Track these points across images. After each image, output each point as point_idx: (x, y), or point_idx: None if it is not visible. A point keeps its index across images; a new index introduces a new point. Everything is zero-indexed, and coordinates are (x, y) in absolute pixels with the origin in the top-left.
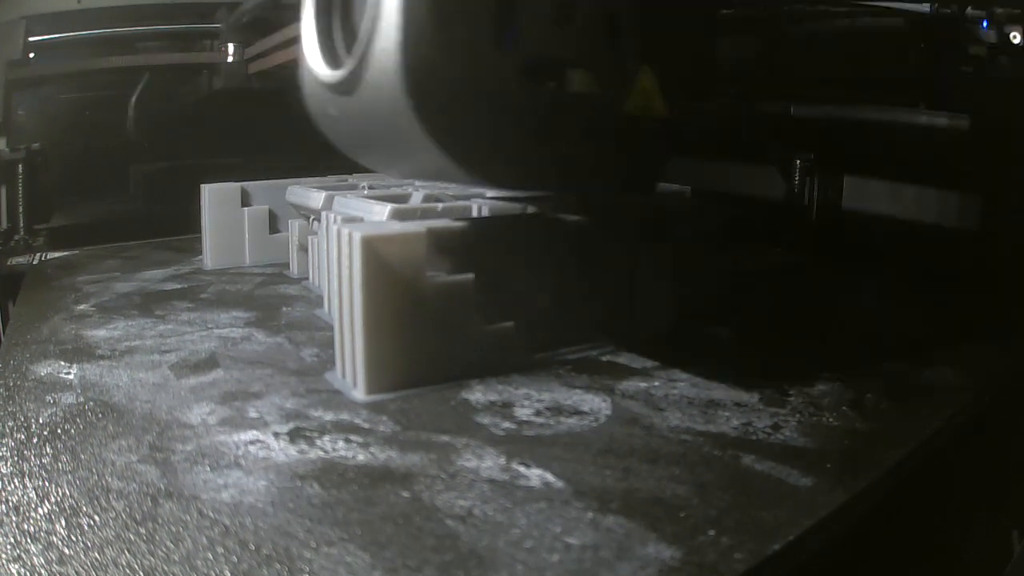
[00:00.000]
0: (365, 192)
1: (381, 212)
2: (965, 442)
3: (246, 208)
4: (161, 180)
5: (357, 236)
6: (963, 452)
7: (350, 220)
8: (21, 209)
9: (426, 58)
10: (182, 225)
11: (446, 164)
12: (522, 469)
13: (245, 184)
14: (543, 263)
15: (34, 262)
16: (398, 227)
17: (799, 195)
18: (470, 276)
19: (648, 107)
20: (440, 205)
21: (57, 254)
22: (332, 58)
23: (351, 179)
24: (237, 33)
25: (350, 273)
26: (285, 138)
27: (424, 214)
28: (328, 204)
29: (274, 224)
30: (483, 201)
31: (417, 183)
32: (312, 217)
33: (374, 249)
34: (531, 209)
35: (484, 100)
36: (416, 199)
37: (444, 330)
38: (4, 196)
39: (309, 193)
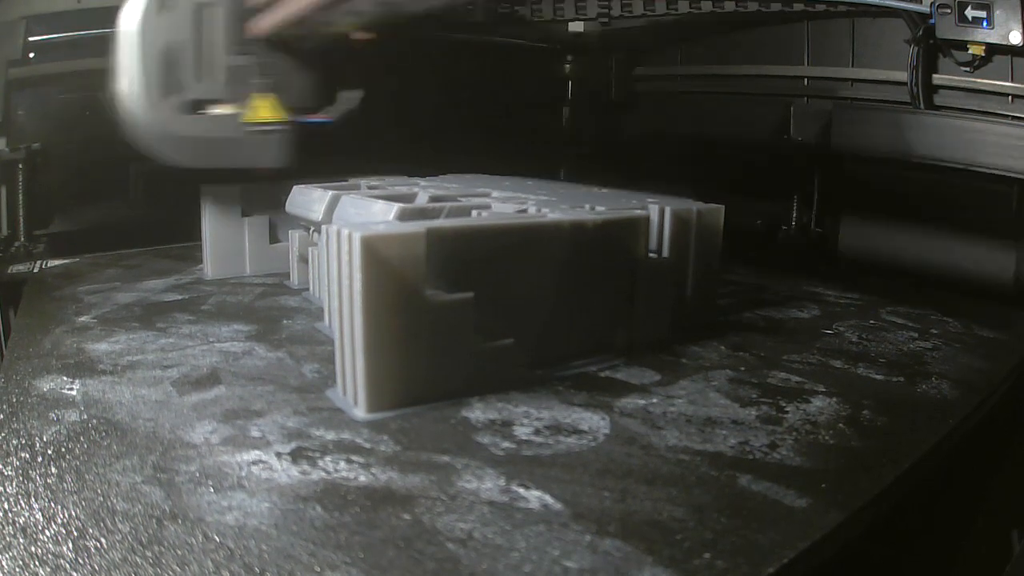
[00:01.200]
0: (371, 192)
1: (387, 211)
2: (961, 456)
3: (246, 218)
4: (161, 180)
5: (357, 236)
6: (959, 465)
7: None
8: (21, 213)
9: (134, 108)
10: (183, 229)
11: (166, 157)
12: (521, 491)
13: (245, 184)
14: (544, 264)
15: (34, 270)
16: (398, 228)
17: None
18: (470, 295)
19: (263, 116)
20: (447, 205)
21: (57, 262)
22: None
23: (351, 180)
24: None
25: (350, 274)
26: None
27: (430, 213)
28: (328, 216)
29: (274, 234)
30: (489, 200)
31: (421, 183)
32: (312, 228)
33: (374, 249)
34: (534, 209)
35: (159, 126)
36: (422, 198)
37: (444, 348)
38: (4, 198)
39: (312, 196)
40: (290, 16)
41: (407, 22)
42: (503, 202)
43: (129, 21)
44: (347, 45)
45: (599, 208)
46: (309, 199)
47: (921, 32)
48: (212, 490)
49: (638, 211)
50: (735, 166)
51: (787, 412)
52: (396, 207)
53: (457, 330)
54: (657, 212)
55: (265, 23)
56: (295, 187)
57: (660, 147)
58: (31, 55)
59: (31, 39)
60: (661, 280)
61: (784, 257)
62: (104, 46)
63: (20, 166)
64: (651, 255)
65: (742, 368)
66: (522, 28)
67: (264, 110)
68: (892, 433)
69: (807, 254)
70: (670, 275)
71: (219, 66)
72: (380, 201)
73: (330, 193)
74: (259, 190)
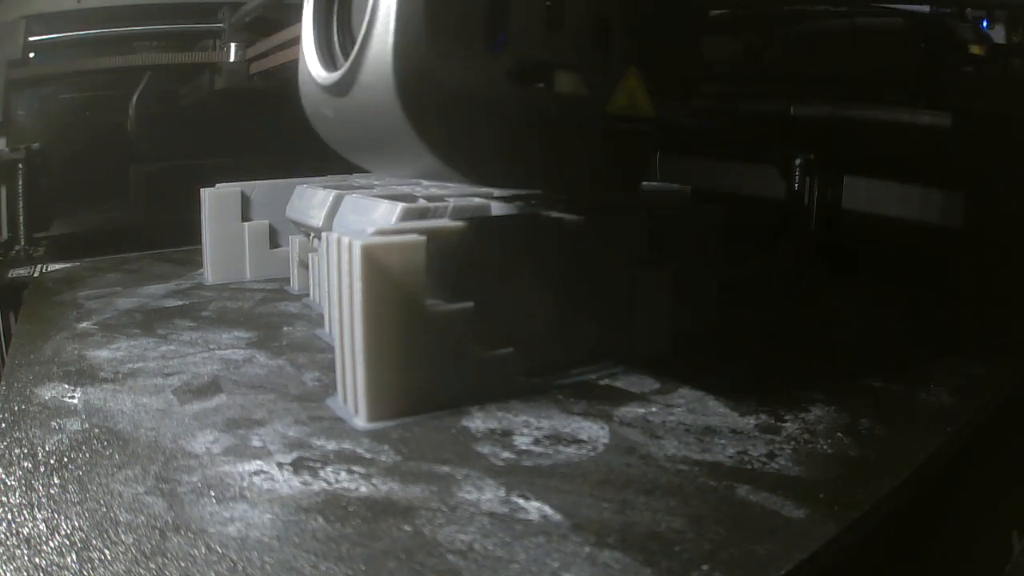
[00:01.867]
0: (373, 192)
1: (391, 211)
2: (959, 464)
3: (246, 223)
4: (161, 180)
5: (357, 245)
6: (957, 472)
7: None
8: (21, 215)
9: (417, 62)
10: (183, 230)
11: (435, 164)
12: (521, 502)
13: (247, 184)
14: (544, 266)
15: (35, 274)
16: (398, 236)
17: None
18: (470, 304)
19: (633, 107)
20: (450, 205)
21: (58, 266)
22: (329, 60)
23: (352, 179)
24: (239, 33)
25: (351, 283)
26: (286, 138)
27: (434, 213)
28: (328, 223)
29: (274, 239)
30: (492, 201)
31: (424, 182)
32: (312, 235)
33: (375, 258)
34: (532, 209)
35: (473, 102)
36: (425, 198)
37: (444, 357)
38: (4, 199)
39: (312, 202)
40: None
41: None
42: (504, 201)
43: None
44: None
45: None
46: (309, 204)
47: (921, 32)
48: (214, 501)
49: (637, 205)
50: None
51: (786, 421)
52: (400, 207)
53: (457, 339)
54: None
55: None
56: (297, 188)
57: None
58: (31, 55)
59: (31, 39)
60: (660, 284)
61: (784, 259)
62: (104, 46)
63: (20, 166)
64: (651, 258)
65: (740, 375)
66: None
67: (636, 96)
68: (890, 442)
69: (808, 257)
70: (669, 279)
71: (580, 14)
72: (384, 201)
73: (332, 195)
74: (259, 194)
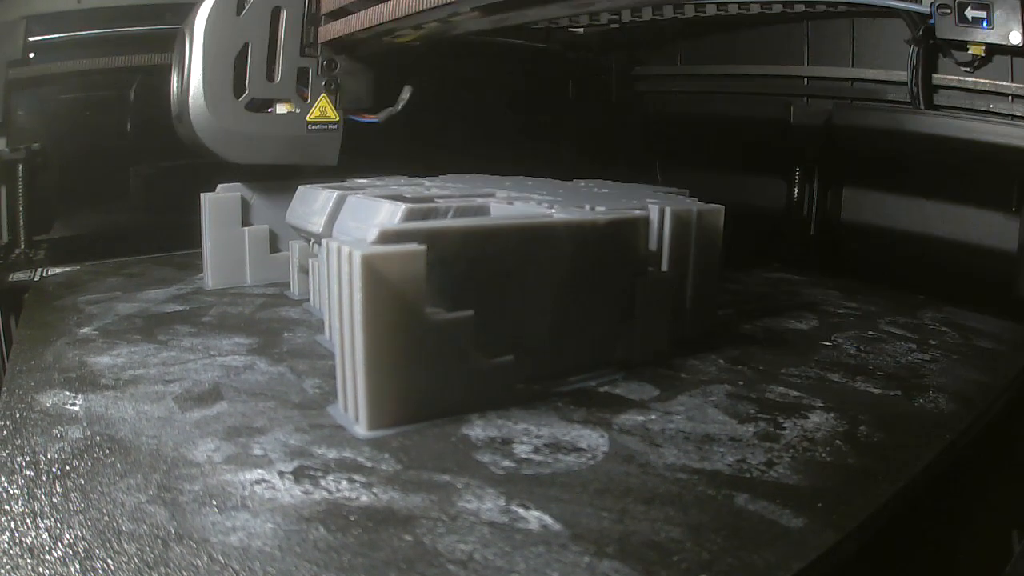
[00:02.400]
0: (376, 192)
1: (395, 211)
2: (957, 470)
3: (247, 228)
4: (162, 180)
5: (357, 255)
6: (956, 478)
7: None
8: (21, 217)
9: (201, 105)
10: (185, 231)
11: (224, 156)
12: (521, 511)
13: (248, 188)
14: (545, 270)
15: (35, 278)
16: (397, 245)
17: None
18: (470, 312)
19: (324, 116)
20: (453, 205)
21: (58, 269)
22: (177, 102)
23: (353, 181)
24: None
25: (351, 292)
26: None
27: (437, 214)
28: (328, 229)
29: (274, 243)
30: (494, 201)
31: (426, 183)
32: (312, 240)
33: (374, 268)
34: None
35: (231, 124)
36: (430, 198)
37: (445, 365)
38: (4, 200)
39: (312, 208)
40: (359, 25)
41: (462, 34)
42: (506, 201)
43: (204, 22)
44: (399, 52)
45: (599, 207)
46: (309, 210)
47: (921, 32)
48: (216, 510)
49: (638, 211)
50: (735, 165)
51: (785, 428)
52: (403, 207)
53: (457, 347)
54: (657, 212)
55: (334, 28)
56: (299, 188)
57: (660, 146)
58: (31, 55)
59: (31, 39)
60: (661, 291)
61: (784, 263)
62: (104, 46)
63: (20, 166)
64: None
65: (740, 382)
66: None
67: (325, 110)
68: (889, 449)
69: (807, 259)
70: (670, 286)
71: (288, 67)
72: (387, 201)
73: (332, 200)
74: (260, 199)
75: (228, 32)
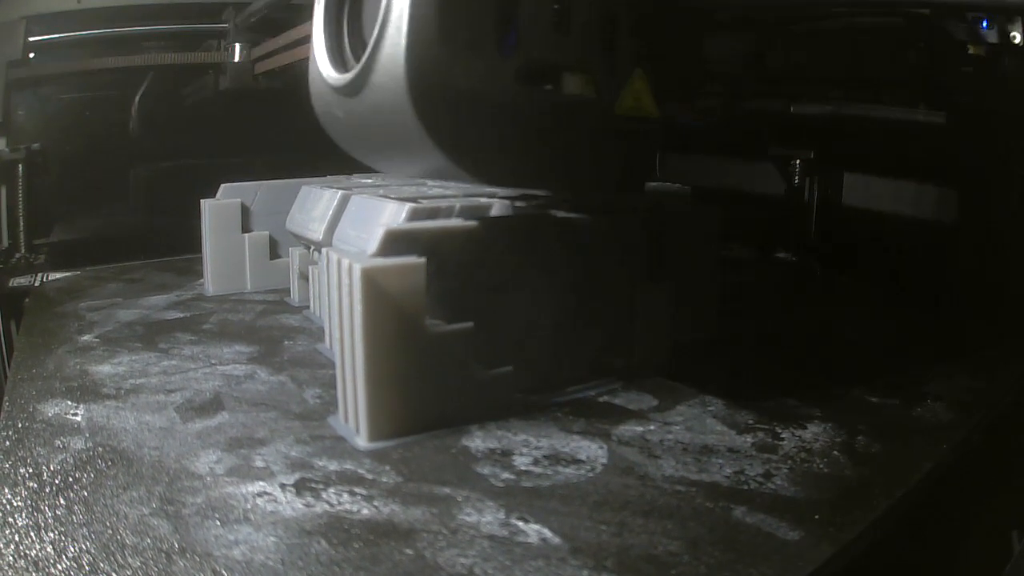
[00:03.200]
0: (378, 192)
1: (399, 211)
2: (955, 479)
3: (246, 234)
4: (164, 181)
5: (357, 268)
6: (954, 487)
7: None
8: (21, 221)
9: (429, 64)
10: (186, 234)
11: (446, 163)
12: (521, 524)
13: (250, 189)
14: (546, 275)
15: (36, 283)
16: (397, 259)
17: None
18: (469, 324)
19: (639, 108)
20: (457, 204)
21: (58, 275)
22: (340, 62)
23: (354, 179)
24: (245, 33)
25: (351, 305)
26: (290, 138)
27: (441, 213)
28: (328, 237)
29: (275, 249)
30: (496, 200)
31: (428, 182)
32: (312, 248)
33: (375, 281)
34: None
35: (483, 103)
36: (432, 198)
37: (445, 377)
38: (4, 201)
39: (312, 215)
40: None
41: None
42: (509, 199)
43: None
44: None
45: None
46: (309, 218)
47: (921, 32)
48: (219, 523)
49: (634, 207)
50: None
51: (783, 439)
52: (408, 207)
53: (457, 359)
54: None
55: None
56: (298, 195)
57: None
58: (31, 55)
59: (31, 39)
60: (661, 297)
61: (782, 268)
62: (104, 46)
63: (20, 167)
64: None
65: (739, 391)
66: None
67: (640, 97)
68: (886, 460)
69: (805, 265)
70: (670, 293)
71: (587, 17)
72: (389, 203)
73: (332, 208)
74: (259, 205)
75: None
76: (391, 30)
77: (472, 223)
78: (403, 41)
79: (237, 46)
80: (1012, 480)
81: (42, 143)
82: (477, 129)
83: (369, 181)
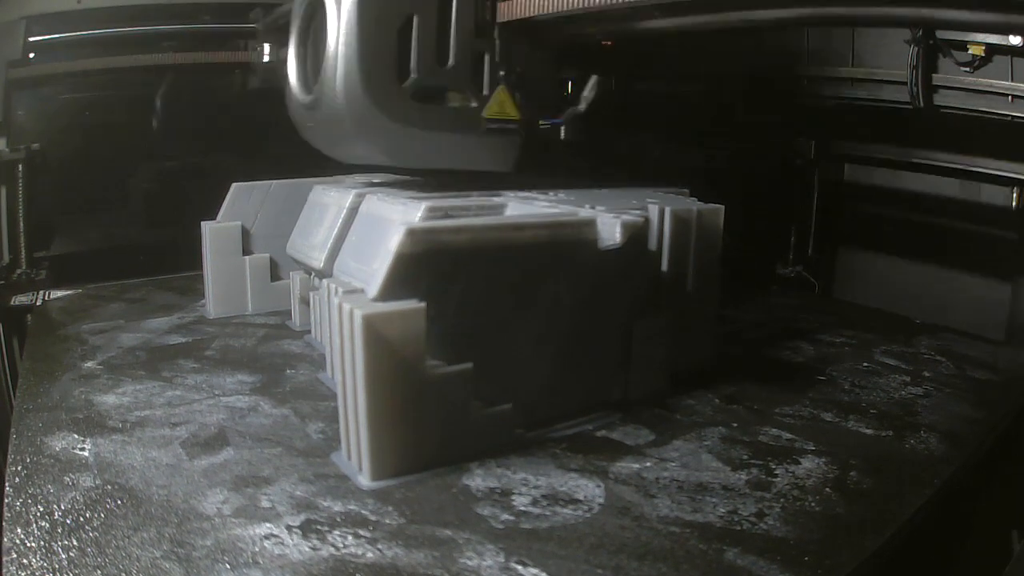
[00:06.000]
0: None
1: (415, 211)
2: (945, 514)
3: (247, 256)
4: (168, 181)
5: (359, 315)
6: (944, 521)
7: (350, 292)
8: (22, 231)
9: (356, 92)
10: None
11: (376, 155)
12: (520, 568)
13: (265, 183)
14: (546, 307)
15: (37, 302)
16: (397, 304)
17: None
18: (469, 365)
19: (502, 112)
20: (472, 204)
21: (60, 293)
22: (306, 85)
23: (356, 177)
24: (273, 34)
25: (352, 350)
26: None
27: (456, 212)
28: (329, 267)
29: (275, 271)
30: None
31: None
32: (312, 273)
33: (375, 328)
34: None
35: (393, 116)
36: (446, 199)
37: (445, 417)
38: (4, 203)
39: (313, 241)
40: (546, 7)
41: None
42: (516, 201)
43: None
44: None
45: (599, 207)
46: (310, 245)
47: (921, 32)
48: (228, 567)
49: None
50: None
51: (776, 475)
52: (423, 206)
53: (457, 399)
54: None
55: (519, 7)
56: (314, 188)
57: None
58: (31, 55)
59: (31, 39)
60: (659, 329)
61: (779, 288)
62: (104, 46)
63: (20, 167)
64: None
65: (735, 424)
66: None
67: (505, 106)
68: (877, 497)
69: (803, 285)
70: (668, 324)
71: (463, 50)
72: (405, 202)
73: (335, 231)
74: (260, 229)
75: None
76: (330, 69)
77: (456, 223)
78: (339, 77)
79: (266, 47)
80: (1012, 480)
81: (42, 143)
82: (389, 131)
83: (378, 180)
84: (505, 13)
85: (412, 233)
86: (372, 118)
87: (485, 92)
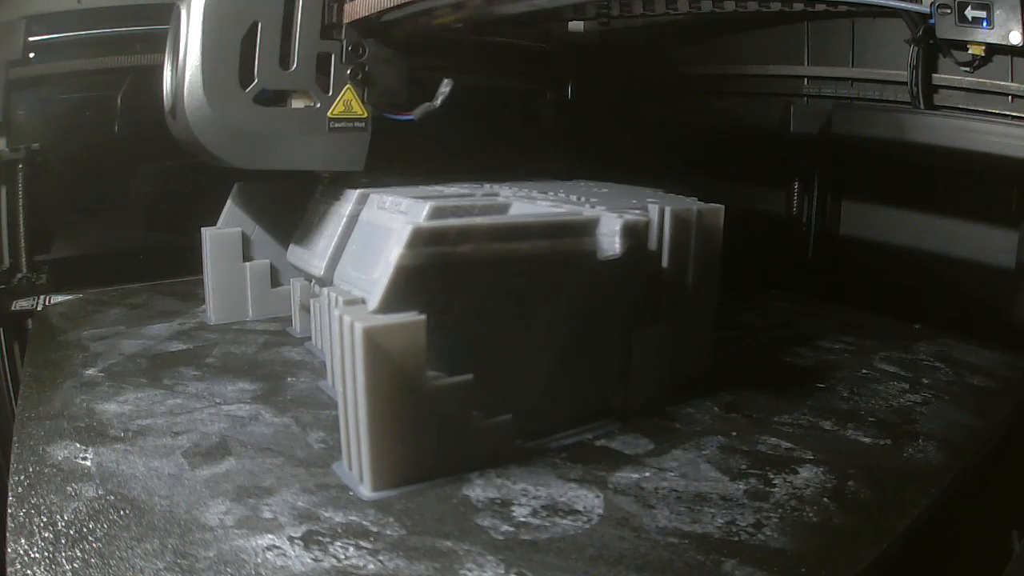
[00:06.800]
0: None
1: (421, 208)
2: (944, 524)
3: (247, 263)
4: (165, 183)
5: (359, 328)
6: (941, 529)
7: (351, 302)
8: (22, 231)
9: (198, 99)
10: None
11: (225, 158)
12: None
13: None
14: (547, 316)
15: (38, 307)
16: (398, 316)
17: None
18: (469, 377)
19: (348, 111)
20: (478, 203)
21: (60, 298)
22: (170, 96)
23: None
24: None
25: (353, 362)
26: None
27: (462, 211)
28: (329, 275)
29: (275, 277)
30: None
31: (445, 190)
32: (313, 280)
33: (376, 340)
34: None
35: (235, 120)
36: (450, 195)
37: (445, 428)
38: (4, 204)
39: (314, 249)
40: (392, 1)
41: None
42: (518, 200)
43: None
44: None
45: (598, 206)
46: (310, 254)
47: (921, 32)
48: None
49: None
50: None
51: (775, 485)
52: (428, 205)
53: (457, 410)
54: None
55: (362, 6)
56: (313, 196)
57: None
58: (31, 55)
59: (31, 39)
60: (658, 338)
61: (781, 291)
62: (104, 46)
63: (20, 167)
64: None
65: (734, 433)
66: (521, 28)
67: (350, 104)
68: (874, 507)
69: (803, 287)
70: (666, 332)
71: (306, 53)
72: (411, 200)
73: (335, 238)
74: (260, 235)
75: (234, 8)
76: (179, 78)
77: (455, 223)
78: (185, 84)
79: None
80: (1012, 479)
81: (42, 143)
82: (233, 137)
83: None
84: (348, 13)
85: (413, 244)
86: (214, 123)
87: (330, 93)
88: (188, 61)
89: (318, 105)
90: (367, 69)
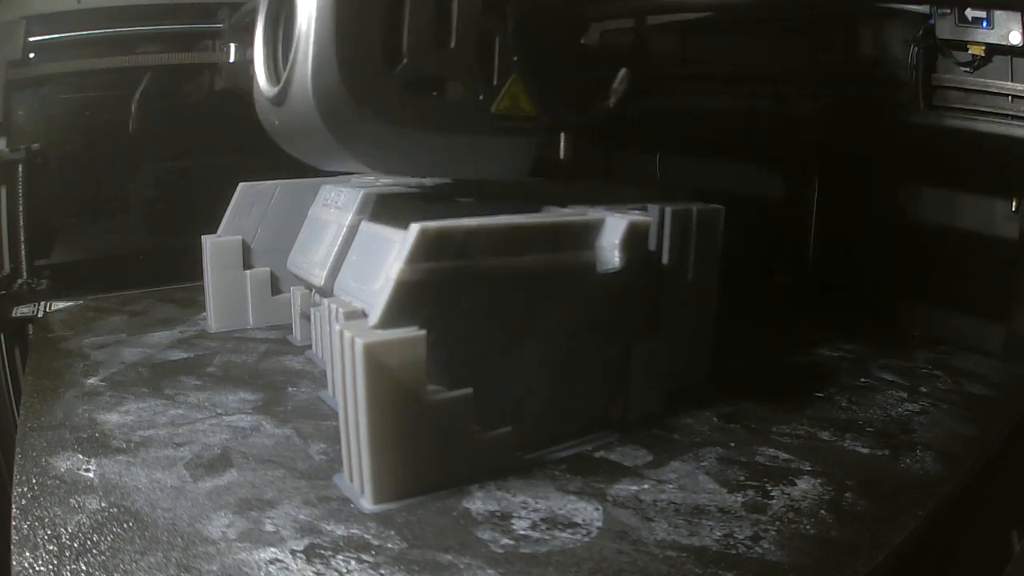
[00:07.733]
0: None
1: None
2: (940, 534)
3: (248, 271)
4: (167, 186)
5: (360, 343)
6: (938, 541)
7: (351, 316)
8: (23, 236)
9: (329, 80)
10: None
11: (352, 160)
12: None
13: (271, 183)
14: (547, 327)
15: (38, 314)
16: (398, 331)
17: None
18: (469, 390)
19: (515, 108)
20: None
21: (61, 304)
22: (274, 76)
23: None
24: (239, 34)
25: (353, 377)
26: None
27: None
28: (329, 285)
29: (276, 285)
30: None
31: (426, 182)
32: (313, 290)
33: (376, 356)
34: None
35: (377, 110)
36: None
37: (446, 441)
38: (4, 208)
39: (314, 258)
40: None
41: None
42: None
43: None
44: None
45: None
46: (310, 262)
47: (921, 32)
48: None
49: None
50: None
51: (772, 497)
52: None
53: (457, 424)
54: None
55: None
56: (305, 226)
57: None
58: (31, 55)
59: (31, 39)
60: (657, 349)
61: (777, 298)
62: (105, 46)
63: (20, 167)
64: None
65: (732, 444)
66: None
67: (517, 99)
68: (871, 520)
69: (801, 293)
70: (665, 343)
71: (468, 32)
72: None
73: (336, 248)
74: (260, 242)
75: None
76: (300, 53)
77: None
78: (309, 62)
79: (232, 47)
80: (1012, 479)
81: (42, 143)
82: (374, 131)
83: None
84: None
85: (414, 260)
86: (350, 115)
87: (495, 82)
88: (314, 31)
89: (481, 97)
90: (538, 56)
